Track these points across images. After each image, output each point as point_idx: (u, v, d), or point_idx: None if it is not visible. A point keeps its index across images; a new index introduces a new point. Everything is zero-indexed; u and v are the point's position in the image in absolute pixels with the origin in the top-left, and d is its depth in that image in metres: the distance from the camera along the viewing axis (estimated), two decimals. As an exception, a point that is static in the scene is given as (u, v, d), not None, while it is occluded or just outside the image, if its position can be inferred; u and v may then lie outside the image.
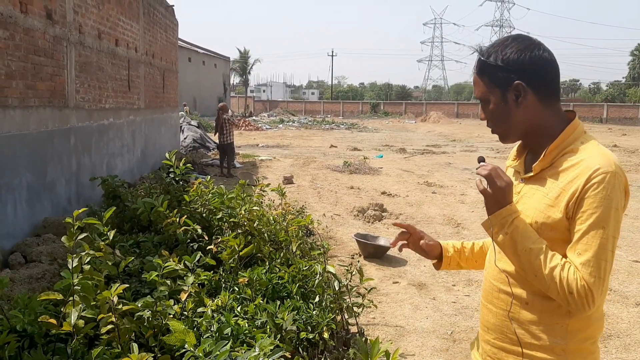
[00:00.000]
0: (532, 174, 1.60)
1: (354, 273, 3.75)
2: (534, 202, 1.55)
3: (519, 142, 1.70)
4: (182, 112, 21.55)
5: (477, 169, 1.57)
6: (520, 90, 1.55)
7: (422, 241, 1.92)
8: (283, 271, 3.70)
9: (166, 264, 3.03)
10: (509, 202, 1.52)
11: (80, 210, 2.68)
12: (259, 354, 2.21)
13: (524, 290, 1.57)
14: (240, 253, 3.81)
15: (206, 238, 4.25)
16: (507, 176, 1.54)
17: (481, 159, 1.62)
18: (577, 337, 1.52)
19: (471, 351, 1.86)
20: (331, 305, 3.48)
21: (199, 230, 4.18)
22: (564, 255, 1.48)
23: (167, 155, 5.05)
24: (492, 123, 1.64)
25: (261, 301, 3.18)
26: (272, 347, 2.27)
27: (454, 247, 1.96)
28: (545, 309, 1.53)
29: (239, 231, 4.28)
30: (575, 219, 1.45)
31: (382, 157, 18.71)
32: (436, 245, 1.94)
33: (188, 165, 5.25)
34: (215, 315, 2.87)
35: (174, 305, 2.84)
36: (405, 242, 1.94)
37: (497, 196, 1.52)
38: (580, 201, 1.44)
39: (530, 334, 1.55)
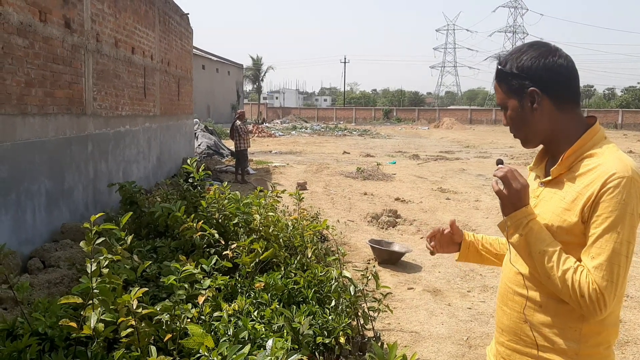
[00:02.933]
0: (550, 178, 1.61)
1: (369, 278, 3.75)
2: (551, 206, 1.57)
3: (541, 147, 1.71)
4: (196, 119, 21.72)
5: (495, 170, 1.59)
6: (535, 97, 1.57)
7: (446, 230, 1.96)
8: (299, 276, 3.72)
9: (184, 268, 3.07)
10: (524, 205, 1.54)
11: (97, 216, 2.72)
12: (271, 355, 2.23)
13: (538, 293, 1.58)
14: (261, 257, 3.84)
15: (222, 243, 4.28)
16: (523, 178, 1.56)
17: (500, 161, 1.64)
18: (590, 342, 1.52)
19: (487, 353, 1.86)
20: (347, 310, 3.49)
21: (216, 235, 4.21)
22: (580, 260, 1.49)
23: (188, 161, 5.11)
24: (513, 129, 1.68)
25: (277, 306, 3.20)
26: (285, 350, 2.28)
27: (474, 235, 2.00)
28: (559, 312, 1.54)
29: (255, 236, 4.31)
30: (590, 223, 1.46)
31: (395, 163, 18.70)
32: (461, 233, 1.99)
33: (207, 171, 5.29)
34: (232, 319, 2.90)
35: (191, 309, 2.87)
36: (433, 247, 1.98)
37: (512, 198, 1.54)
38: (596, 205, 1.45)
39: (544, 336, 1.56)
